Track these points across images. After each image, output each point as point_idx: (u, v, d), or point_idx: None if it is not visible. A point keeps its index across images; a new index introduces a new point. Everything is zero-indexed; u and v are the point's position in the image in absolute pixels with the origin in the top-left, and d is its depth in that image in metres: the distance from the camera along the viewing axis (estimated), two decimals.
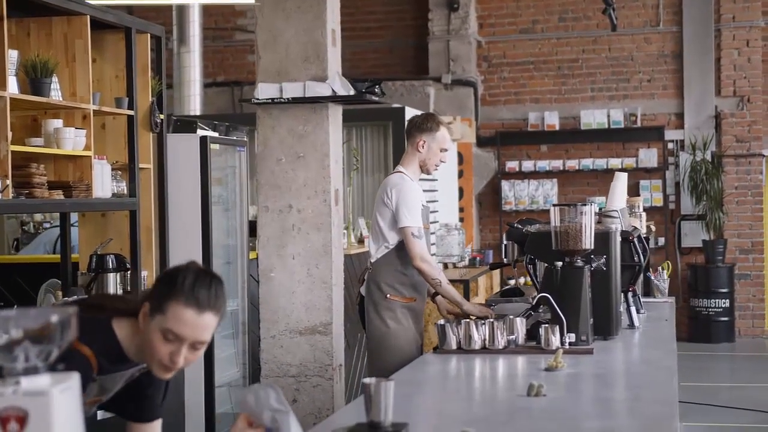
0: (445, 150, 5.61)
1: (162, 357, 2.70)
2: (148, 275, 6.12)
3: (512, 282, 12.82)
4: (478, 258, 11.62)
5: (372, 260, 5.53)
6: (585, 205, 4.60)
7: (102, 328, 2.78)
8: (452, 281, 9.34)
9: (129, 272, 5.87)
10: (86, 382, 2.71)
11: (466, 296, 9.15)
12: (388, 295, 5.44)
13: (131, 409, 3.00)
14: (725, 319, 12.86)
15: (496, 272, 11.87)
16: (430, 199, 10.72)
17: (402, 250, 5.42)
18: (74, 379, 1.86)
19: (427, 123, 5.57)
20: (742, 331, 13.16)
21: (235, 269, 7.26)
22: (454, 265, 10.61)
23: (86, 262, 5.83)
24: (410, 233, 5.32)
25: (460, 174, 13.00)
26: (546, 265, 4.73)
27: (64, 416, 1.81)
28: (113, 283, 5.69)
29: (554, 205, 4.64)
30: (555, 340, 4.36)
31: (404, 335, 5.41)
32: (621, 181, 5.83)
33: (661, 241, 13.14)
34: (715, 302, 12.82)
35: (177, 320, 2.66)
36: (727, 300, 12.84)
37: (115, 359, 2.80)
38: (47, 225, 9.36)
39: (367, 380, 2.82)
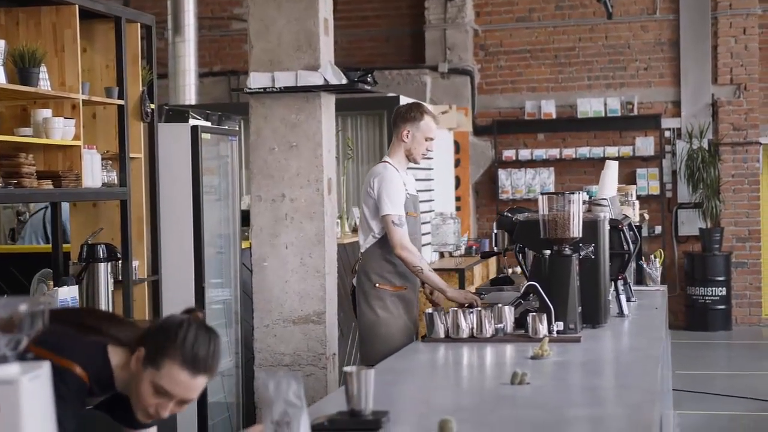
0: (431, 139, 5.58)
1: (148, 407, 2.70)
2: (139, 265, 6.13)
3: (509, 271, 12.84)
4: (474, 247, 11.62)
5: (361, 250, 5.55)
6: (573, 193, 4.60)
7: (98, 354, 2.75)
8: (447, 270, 9.41)
9: (120, 262, 5.87)
10: (80, 403, 2.71)
11: (462, 285, 9.16)
12: (377, 284, 5.45)
13: (128, 418, 2.93)
14: (722, 307, 12.87)
15: (493, 261, 11.88)
16: (425, 188, 10.76)
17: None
18: (44, 368, 1.86)
19: (410, 112, 5.56)
20: (739, 319, 13.17)
21: (228, 258, 7.26)
22: (450, 254, 10.62)
23: (77, 251, 5.83)
24: (390, 221, 5.34)
25: (457, 163, 13.00)
26: (534, 253, 4.74)
27: (34, 405, 1.81)
28: (104, 273, 5.69)
29: (542, 194, 4.65)
30: (542, 329, 4.36)
31: (394, 324, 5.42)
32: (611, 169, 5.83)
33: (658, 229, 13.14)
34: (712, 290, 12.83)
35: (171, 379, 2.66)
36: (724, 288, 12.85)
37: (105, 386, 2.78)
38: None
39: (347, 369, 2.83)
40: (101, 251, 5.70)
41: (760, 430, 8.18)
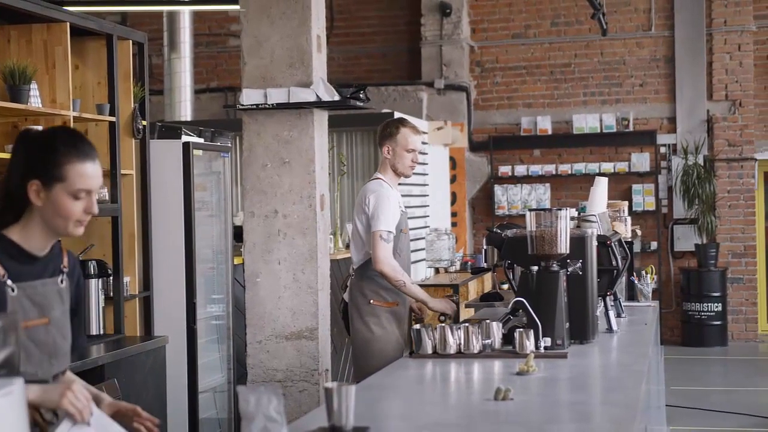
0: (412, 150, 5.65)
1: (77, 215, 2.82)
2: (130, 281, 6.14)
3: (505, 287, 12.84)
4: (470, 262, 11.63)
5: (354, 266, 5.59)
6: (560, 209, 4.62)
7: None
8: (442, 285, 9.42)
9: (111, 278, 5.88)
10: (2, 290, 2.73)
11: (456, 301, 9.16)
12: (371, 301, 5.48)
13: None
14: (718, 323, 12.87)
15: (488, 277, 11.88)
16: (420, 204, 10.77)
17: None
18: (18, 385, 1.87)
19: (386, 129, 5.69)
20: (735, 335, 13.16)
21: (221, 274, 7.27)
22: (445, 270, 10.62)
23: None
24: (379, 236, 5.40)
25: (453, 179, 13.02)
26: (522, 269, 4.75)
27: (6, 421, 1.82)
28: (95, 290, 5.70)
29: (530, 210, 4.66)
30: (529, 345, 4.37)
31: (388, 340, 5.45)
32: (601, 185, 5.84)
33: (654, 245, 13.15)
34: (708, 306, 12.83)
35: (80, 178, 2.79)
36: (720, 304, 12.85)
37: (22, 260, 2.82)
38: None
39: (328, 385, 2.84)
40: (92, 267, 5.71)
41: None
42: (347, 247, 8.65)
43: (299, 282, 6.12)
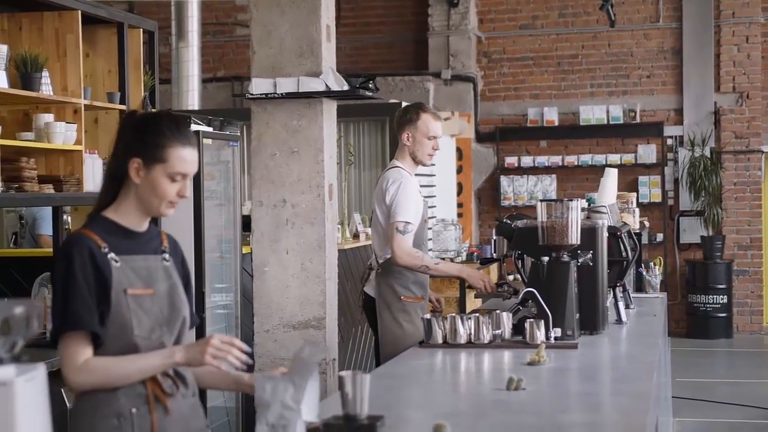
0: (433, 137, 5.50)
1: (170, 196, 2.97)
2: None
3: (510, 277, 12.84)
4: (476, 253, 11.63)
5: (380, 260, 5.44)
6: (571, 200, 4.61)
7: (94, 219, 3.01)
8: (449, 276, 9.38)
9: None
10: (100, 258, 2.89)
11: (462, 291, 9.14)
12: (402, 297, 5.37)
13: None
14: (723, 315, 12.88)
15: (495, 267, 11.88)
16: (427, 194, 10.77)
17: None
18: (39, 370, 1.88)
19: (406, 114, 5.54)
20: (740, 327, 13.17)
21: (229, 264, 7.28)
22: (452, 260, 10.62)
23: None
24: (395, 228, 5.30)
25: (459, 169, 13.02)
26: (533, 260, 4.75)
27: (29, 406, 1.83)
28: None
29: (541, 201, 4.66)
30: (540, 335, 4.37)
31: (418, 336, 5.34)
32: (611, 176, 5.84)
33: (660, 237, 13.15)
34: (713, 298, 12.83)
35: (180, 161, 2.95)
36: (725, 296, 12.86)
37: (121, 236, 2.98)
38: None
39: (342, 373, 2.84)
40: None
41: None
42: (355, 237, 8.65)
43: (307, 271, 6.12)
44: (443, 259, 10.63)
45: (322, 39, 6.22)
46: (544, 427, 3.02)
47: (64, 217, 6.48)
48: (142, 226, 3.05)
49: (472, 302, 9.30)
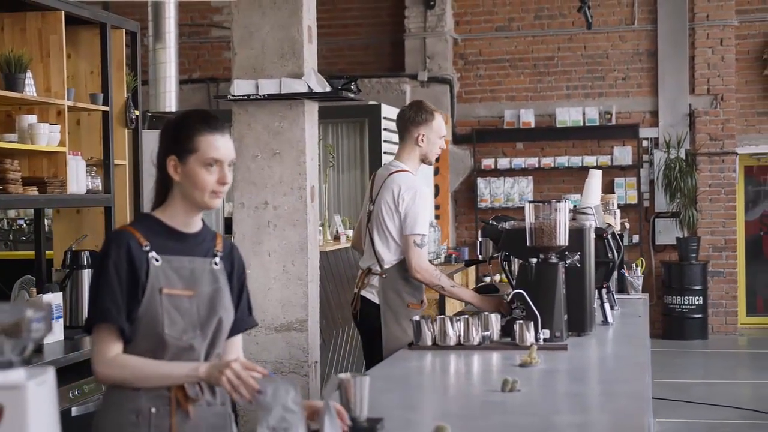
0: (443, 136, 5.39)
1: (211, 185, 2.98)
2: None
3: (487, 279, 12.88)
4: (454, 255, 11.65)
5: (386, 265, 5.27)
6: (560, 202, 4.62)
7: (142, 217, 3.09)
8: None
9: None
10: (138, 255, 2.93)
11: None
12: (409, 304, 5.25)
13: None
14: (698, 316, 12.96)
15: (472, 269, 11.92)
16: None
17: None
18: (49, 374, 1.86)
19: (421, 114, 5.32)
20: (715, 328, 13.25)
21: None
22: (431, 262, 10.62)
23: (61, 258, 5.79)
24: (413, 241, 5.13)
25: (436, 171, 13.03)
26: (521, 261, 4.75)
27: (40, 410, 1.81)
28: (87, 280, 5.66)
29: (529, 202, 4.66)
30: (529, 337, 4.38)
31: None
32: (595, 178, 5.85)
33: (636, 238, 13.21)
34: (689, 299, 12.91)
35: (212, 148, 2.98)
36: (701, 297, 12.93)
37: (168, 236, 3.02)
38: (21, 222, 9.31)
39: (342, 375, 2.83)
40: (85, 258, 5.66)
41: None
42: (335, 238, 8.63)
43: (289, 274, 6.10)
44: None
45: (304, 40, 6.20)
46: (543, 428, 3.02)
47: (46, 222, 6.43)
48: (192, 227, 3.07)
49: (452, 304, 9.31)
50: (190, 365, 2.95)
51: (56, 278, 5.74)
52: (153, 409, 2.95)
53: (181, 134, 3.01)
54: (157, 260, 2.96)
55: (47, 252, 6.06)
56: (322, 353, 6.98)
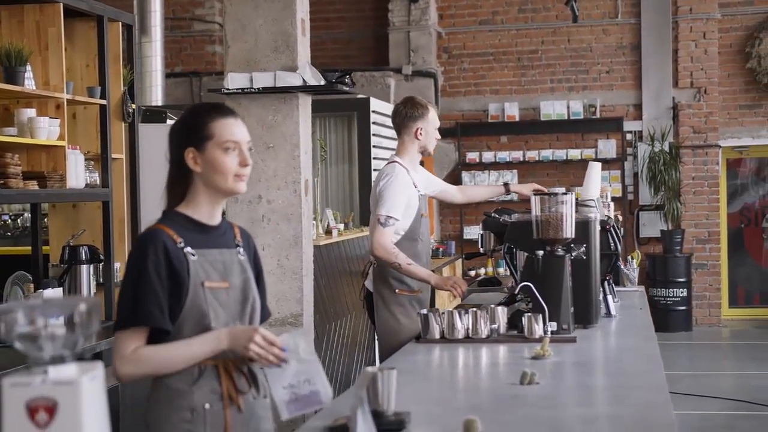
0: (437, 127, 5.63)
1: (233, 169, 2.98)
2: (121, 267, 6.06)
3: (472, 273, 12.89)
4: (440, 249, 11.65)
5: (376, 254, 5.37)
6: (566, 194, 4.62)
7: (168, 214, 3.05)
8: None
9: (102, 264, 5.79)
10: (175, 253, 2.92)
11: (432, 290, 9.10)
12: (396, 290, 5.37)
13: None
14: (683, 308, 13.01)
15: (458, 263, 11.91)
16: None
17: (405, 243, 5.35)
18: (99, 368, 1.83)
19: (417, 110, 5.53)
20: (699, 320, 13.31)
21: None
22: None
23: (58, 253, 5.74)
24: (377, 219, 5.29)
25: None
26: (527, 254, 4.74)
27: (93, 404, 1.79)
28: (86, 275, 5.62)
29: (535, 194, 4.65)
30: (539, 329, 4.37)
31: (415, 329, 5.30)
32: (595, 170, 5.86)
33: (621, 231, 13.23)
34: (673, 291, 12.96)
35: (226, 130, 2.98)
36: (685, 289, 12.99)
37: (195, 230, 3.00)
38: (6, 217, 9.21)
39: (370, 369, 2.81)
40: (83, 253, 5.62)
41: (732, 428, 8.27)
42: (327, 233, 8.60)
43: (284, 268, 6.09)
44: None
45: (298, 33, 6.19)
46: (570, 420, 3.02)
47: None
48: (214, 219, 3.06)
49: (441, 297, 9.30)
50: (211, 339, 2.91)
51: (53, 274, 5.69)
52: (207, 405, 2.93)
53: (195, 124, 3.01)
54: (193, 255, 2.96)
55: (44, 247, 6.00)
56: (316, 347, 6.96)
